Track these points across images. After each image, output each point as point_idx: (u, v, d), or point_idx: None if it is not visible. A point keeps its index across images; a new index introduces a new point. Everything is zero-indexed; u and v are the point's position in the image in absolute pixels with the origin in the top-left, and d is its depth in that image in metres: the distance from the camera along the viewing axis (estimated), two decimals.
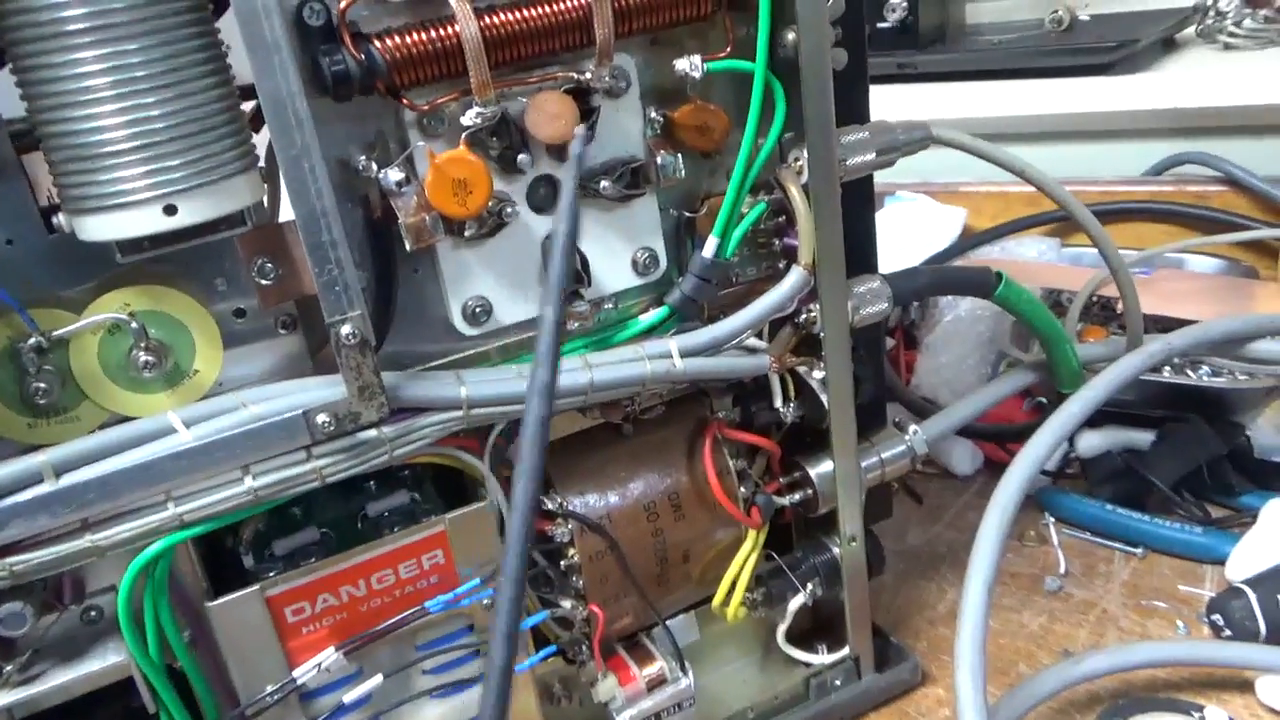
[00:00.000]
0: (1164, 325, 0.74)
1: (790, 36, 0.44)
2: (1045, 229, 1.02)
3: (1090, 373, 0.61)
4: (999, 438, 0.75)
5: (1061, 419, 0.53)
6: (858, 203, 0.49)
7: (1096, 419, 0.65)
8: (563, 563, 0.49)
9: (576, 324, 0.45)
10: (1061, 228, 1.02)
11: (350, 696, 0.43)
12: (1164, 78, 1.07)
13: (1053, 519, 0.71)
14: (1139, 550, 0.66)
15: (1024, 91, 1.09)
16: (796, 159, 0.47)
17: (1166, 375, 0.73)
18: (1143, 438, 0.72)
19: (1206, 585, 0.63)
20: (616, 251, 0.46)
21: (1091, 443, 0.74)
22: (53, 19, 0.33)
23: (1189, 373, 0.75)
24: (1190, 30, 1.16)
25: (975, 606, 0.46)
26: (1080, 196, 0.98)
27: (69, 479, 0.35)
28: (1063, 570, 0.66)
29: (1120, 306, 0.84)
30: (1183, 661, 0.53)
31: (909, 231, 1.04)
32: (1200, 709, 0.50)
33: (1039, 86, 1.08)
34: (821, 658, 0.57)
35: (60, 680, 0.38)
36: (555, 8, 0.39)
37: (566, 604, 0.49)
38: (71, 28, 0.33)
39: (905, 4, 1.14)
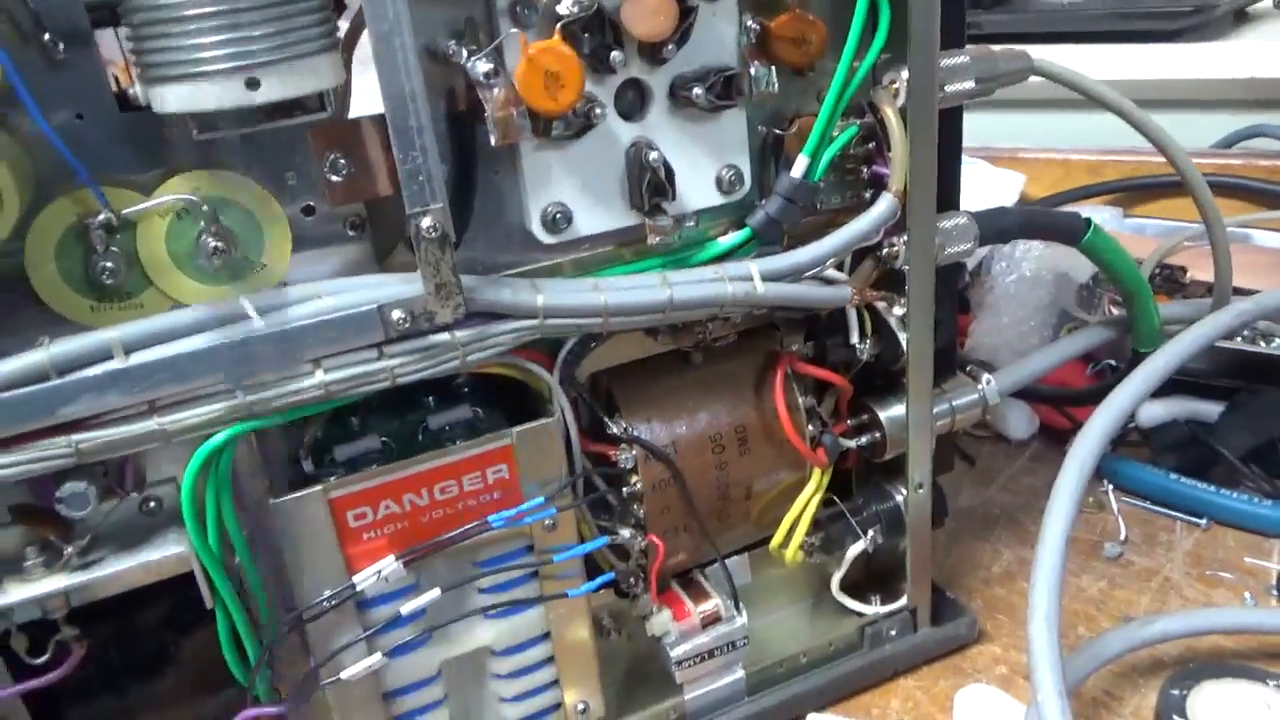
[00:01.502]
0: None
1: None
2: (1107, 198, 1.00)
3: (1168, 334, 0.59)
4: (1060, 401, 0.73)
5: (1146, 373, 0.51)
6: (949, 134, 0.47)
7: (1161, 387, 0.63)
8: (624, 490, 0.48)
9: (658, 239, 0.43)
10: (1124, 198, 0.99)
11: (408, 608, 0.41)
12: (1237, 47, 1.03)
13: (1112, 486, 0.69)
14: (1203, 521, 0.65)
15: (1091, 56, 1.05)
16: (893, 81, 0.45)
17: (1239, 344, 0.71)
18: (1208, 408, 0.70)
19: (1274, 559, 0.61)
20: (702, 167, 0.44)
21: (1154, 412, 0.72)
22: None
23: (1262, 343, 0.72)
24: (1266, 1, 1.12)
25: (1051, 558, 0.45)
26: (1147, 167, 0.95)
27: (138, 358, 0.34)
28: (1123, 537, 0.65)
29: (1189, 276, 0.82)
30: (1261, 628, 0.52)
31: (965, 195, 1.02)
32: (1276, 677, 0.48)
33: (1107, 52, 1.05)
34: (877, 608, 0.55)
35: (118, 568, 0.37)
36: None
37: (625, 533, 0.48)
38: None
39: None
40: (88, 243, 0.37)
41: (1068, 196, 1.00)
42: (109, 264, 0.37)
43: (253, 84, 0.34)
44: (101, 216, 0.37)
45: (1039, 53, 1.10)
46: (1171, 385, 0.70)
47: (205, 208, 0.38)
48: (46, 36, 0.36)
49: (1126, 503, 0.68)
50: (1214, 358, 0.69)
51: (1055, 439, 0.76)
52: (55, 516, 0.36)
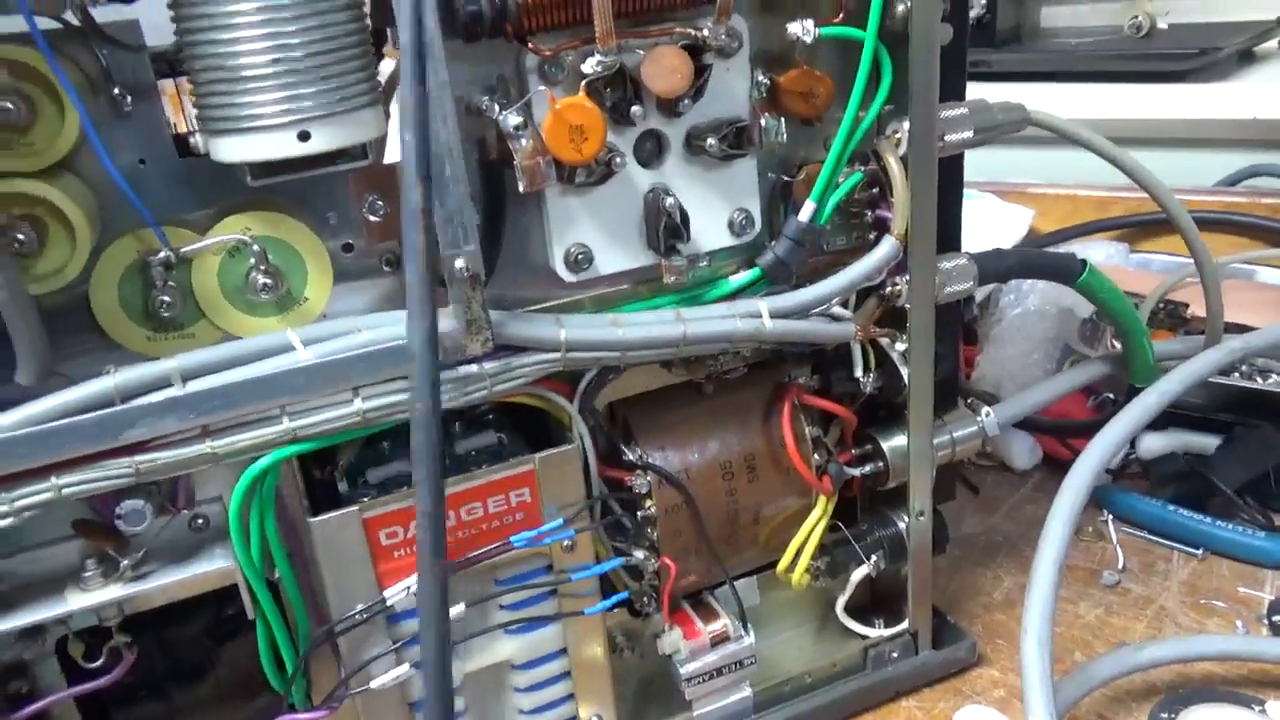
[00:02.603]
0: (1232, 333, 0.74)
1: (901, 8, 0.44)
2: (1114, 234, 1.02)
3: (1163, 370, 0.61)
4: (1061, 432, 0.75)
5: (1138, 409, 0.53)
6: (949, 180, 0.50)
7: (1160, 421, 0.65)
8: (639, 513, 0.50)
9: (674, 278, 0.46)
10: (1130, 233, 1.02)
11: None
12: (1243, 88, 1.06)
13: (1111, 516, 0.71)
14: (1199, 551, 0.66)
15: (1100, 95, 1.08)
16: (895, 131, 0.47)
17: (1236, 380, 0.73)
18: (1205, 441, 0.72)
19: (1267, 589, 0.63)
20: (715, 211, 0.47)
21: (1153, 444, 0.74)
22: None
23: (1258, 379, 0.74)
24: (1272, 43, 1.15)
25: (1045, 580, 0.47)
26: (1153, 204, 0.97)
27: (195, 385, 0.37)
28: (1121, 566, 0.67)
29: (1191, 311, 0.84)
30: (1249, 656, 0.53)
31: (974, 229, 1.04)
32: (1261, 703, 0.50)
33: (1115, 91, 1.08)
34: (879, 631, 0.57)
35: (169, 580, 0.40)
36: None
37: (639, 554, 0.50)
38: None
39: (983, 2, 1.14)
40: (148, 278, 0.41)
41: (1075, 232, 1.02)
42: (167, 298, 0.40)
43: (304, 136, 0.37)
44: (162, 255, 0.40)
45: (1049, 91, 1.14)
46: (1171, 418, 0.73)
47: (255, 246, 0.41)
48: (116, 90, 0.39)
49: (1125, 532, 0.70)
50: (1212, 392, 0.71)
51: (1058, 469, 0.77)
52: (113, 531, 0.39)
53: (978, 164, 0.53)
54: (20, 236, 0.37)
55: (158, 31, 0.40)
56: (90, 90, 0.39)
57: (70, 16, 0.37)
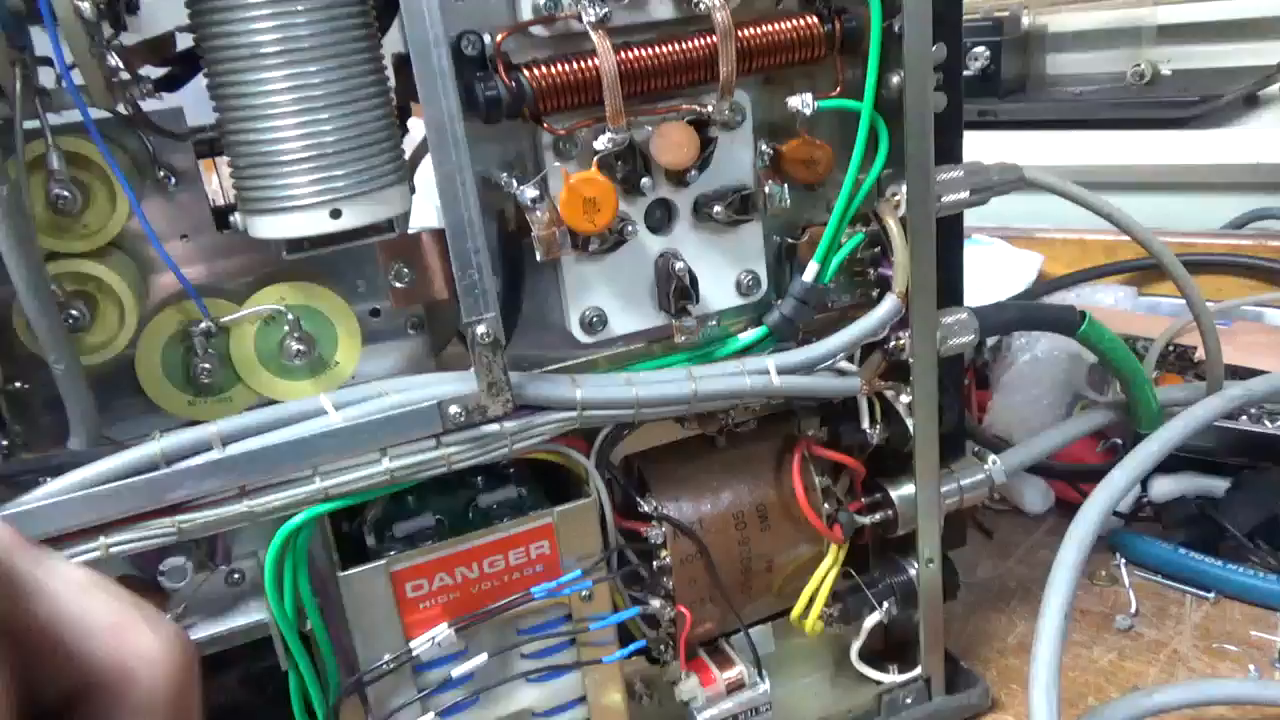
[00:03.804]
0: (1240, 376, 0.75)
1: (895, 79, 0.47)
2: (1122, 277, 1.03)
3: (1168, 415, 0.62)
4: (1072, 477, 0.76)
5: (1140, 456, 0.55)
6: (949, 238, 0.52)
7: (1171, 464, 0.66)
8: (655, 563, 0.52)
9: (684, 338, 0.48)
10: (1139, 277, 1.03)
11: (458, 671, 0.46)
12: (1246, 133, 1.08)
13: (1124, 560, 0.72)
14: (1211, 595, 0.67)
15: (1105, 142, 1.10)
16: (894, 194, 0.50)
17: (1244, 423, 0.74)
18: (1217, 484, 0.73)
19: (1279, 632, 0.63)
20: (722, 273, 0.49)
21: (1165, 488, 0.74)
22: (250, 42, 0.38)
23: (1266, 422, 0.75)
24: (1274, 88, 1.17)
25: (1051, 627, 0.48)
26: None
27: (234, 449, 0.39)
28: (1133, 610, 0.67)
29: (1199, 355, 0.85)
30: (1261, 700, 0.54)
31: (984, 274, 1.06)
32: None
33: (1120, 138, 1.10)
34: (893, 677, 0.58)
35: (207, 633, 0.42)
36: (685, 46, 0.43)
37: (655, 603, 0.52)
38: (265, 50, 0.38)
39: (988, 53, 1.17)
40: (189, 346, 0.43)
41: (1084, 276, 1.04)
42: (207, 365, 0.43)
43: (335, 214, 0.40)
44: (203, 325, 0.43)
45: (1055, 139, 1.16)
46: (1181, 462, 0.74)
47: (290, 315, 0.44)
48: (161, 173, 0.42)
49: (1138, 576, 0.71)
50: (1220, 436, 0.72)
51: (1071, 512, 0.77)
52: (155, 587, 0.41)
53: (987, 210, 0.55)
54: (75, 313, 0.39)
55: (201, 97, 0.43)
56: (138, 174, 0.42)
57: (121, 108, 0.40)
